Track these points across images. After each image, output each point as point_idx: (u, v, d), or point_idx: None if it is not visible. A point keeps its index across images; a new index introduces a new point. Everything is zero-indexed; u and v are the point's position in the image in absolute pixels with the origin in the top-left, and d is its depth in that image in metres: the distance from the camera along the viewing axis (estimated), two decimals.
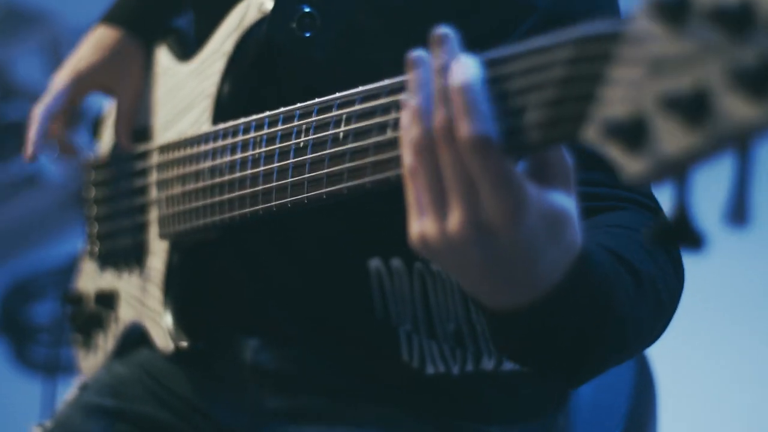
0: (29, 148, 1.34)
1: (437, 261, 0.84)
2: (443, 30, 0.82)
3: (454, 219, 0.79)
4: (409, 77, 0.83)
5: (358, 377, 1.25)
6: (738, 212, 0.63)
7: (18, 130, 2.78)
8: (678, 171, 0.65)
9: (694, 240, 0.67)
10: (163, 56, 1.38)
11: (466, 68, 0.79)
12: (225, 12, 1.23)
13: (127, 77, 1.38)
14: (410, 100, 0.82)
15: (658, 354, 1.33)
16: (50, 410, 1.42)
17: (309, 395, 1.27)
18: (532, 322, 0.85)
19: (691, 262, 0.98)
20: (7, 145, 2.79)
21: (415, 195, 0.82)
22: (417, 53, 0.83)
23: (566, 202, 0.80)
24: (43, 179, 2.79)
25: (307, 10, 1.12)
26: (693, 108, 0.62)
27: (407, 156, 0.82)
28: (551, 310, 0.84)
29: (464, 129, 0.77)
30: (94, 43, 1.39)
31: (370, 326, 1.20)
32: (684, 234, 0.67)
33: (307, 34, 1.12)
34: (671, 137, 0.63)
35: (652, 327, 0.98)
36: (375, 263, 1.17)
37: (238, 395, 1.30)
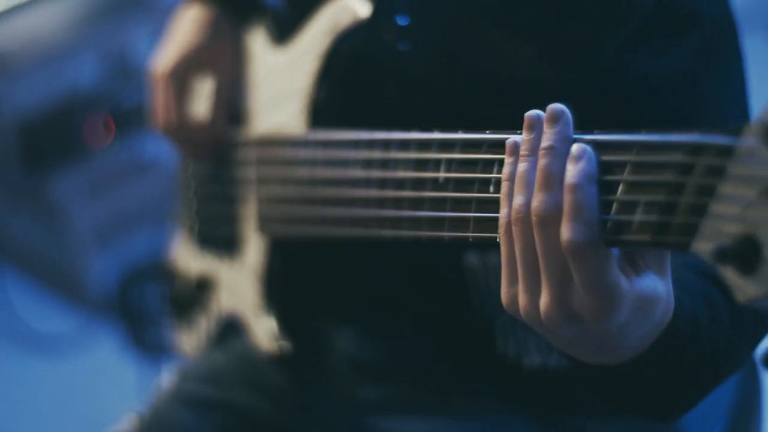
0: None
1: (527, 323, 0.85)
2: (558, 107, 0.81)
3: (546, 301, 0.80)
4: (523, 138, 0.82)
5: (453, 370, 1.25)
6: None
7: (135, 114, 2.84)
8: None
9: None
10: (259, 39, 1.35)
11: (584, 166, 0.78)
12: (315, 3, 1.21)
13: (225, 58, 1.36)
14: (514, 166, 0.82)
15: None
16: (149, 394, 1.43)
17: (404, 387, 1.27)
18: (619, 378, 0.87)
19: None
20: (126, 128, 2.85)
21: (507, 261, 0.83)
22: (534, 117, 0.82)
23: (659, 285, 0.81)
24: (158, 163, 2.84)
25: (402, 23, 1.10)
26: None
27: (502, 224, 0.82)
28: (638, 368, 0.86)
29: (570, 232, 0.77)
30: (190, 24, 1.37)
31: (466, 319, 1.20)
32: None
33: (403, 48, 1.10)
34: None
35: (732, 348, 0.98)
36: (471, 258, 1.17)
37: (333, 385, 1.31)
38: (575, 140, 0.80)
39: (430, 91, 1.14)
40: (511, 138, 0.84)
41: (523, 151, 0.83)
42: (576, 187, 0.77)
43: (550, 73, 1.06)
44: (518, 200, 0.82)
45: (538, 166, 0.80)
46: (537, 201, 0.80)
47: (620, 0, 1.04)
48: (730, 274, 0.67)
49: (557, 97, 1.04)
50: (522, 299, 0.82)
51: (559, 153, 0.80)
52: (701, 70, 1.05)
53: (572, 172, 0.78)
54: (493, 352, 1.20)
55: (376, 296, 1.28)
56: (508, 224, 0.82)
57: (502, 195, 0.83)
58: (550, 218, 0.79)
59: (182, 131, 1.38)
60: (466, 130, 0.93)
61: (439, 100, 1.14)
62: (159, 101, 1.37)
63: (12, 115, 2.75)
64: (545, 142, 0.81)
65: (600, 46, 1.05)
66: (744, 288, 0.66)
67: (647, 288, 0.80)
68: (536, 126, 0.83)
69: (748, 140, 0.67)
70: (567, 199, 0.78)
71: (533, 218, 0.80)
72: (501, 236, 0.83)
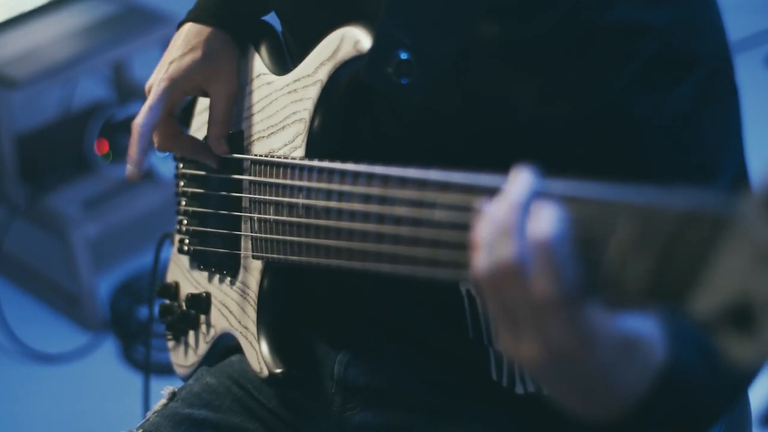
0: (131, 166, 1.30)
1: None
2: (525, 168, 0.83)
3: (526, 347, 0.82)
4: (487, 204, 0.84)
5: (446, 395, 1.26)
6: None
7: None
8: None
9: None
10: (257, 62, 1.35)
11: (549, 221, 0.79)
12: (314, 29, 1.21)
13: (222, 77, 1.34)
14: (482, 226, 0.83)
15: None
16: (142, 412, 1.43)
17: (396, 411, 1.28)
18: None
19: None
20: (124, 143, 2.85)
21: (489, 311, 0.84)
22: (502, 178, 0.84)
23: (643, 326, 0.83)
24: (156, 176, 2.84)
25: (404, 57, 1.10)
26: None
27: (474, 279, 0.84)
28: (637, 421, 0.87)
29: (542, 287, 0.78)
30: (185, 42, 1.36)
31: (460, 345, 1.20)
32: None
33: (404, 81, 1.10)
34: None
35: (725, 398, 1.01)
36: (468, 284, 1.16)
37: (325, 409, 1.31)
38: (548, 195, 0.81)
39: (429, 125, 1.15)
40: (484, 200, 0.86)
41: (488, 209, 0.84)
42: (548, 244, 0.78)
43: (552, 112, 1.07)
44: (482, 257, 0.83)
45: (511, 221, 0.81)
46: (510, 254, 0.80)
47: (624, 41, 1.05)
48: (720, 337, 0.68)
49: (558, 136, 1.05)
50: (506, 345, 0.84)
51: (526, 210, 0.81)
52: (701, 110, 1.07)
53: (541, 228, 0.79)
54: (486, 379, 1.20)
55: (369, 320, 1.28)
56: (479, 279, 0.83)
57: (472, 250, 0.85)
58: (520, 272, 0.80)
59: (177, 149, 1.38)
60: (466, 166, 0.93)
61: (439, 135, 1.14)
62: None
63: (11, 128, 2.75)
64: (518, 198, 0.82)
65: (602, 86, 1.06)
66: (734, 350, 0.66)
67: (630, 329, 0.82)
68: (502, 186, 0.84)
69: (742, 209, 0.67)
70: (538, 256, 0.79)
71: (508, 272, 0.81)
72: (476, 290, 0.83)
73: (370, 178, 1.05)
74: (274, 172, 1.24)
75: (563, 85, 1.07)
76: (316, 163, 1.17)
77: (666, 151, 1.06)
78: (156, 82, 1.34)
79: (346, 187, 1.09)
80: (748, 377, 1.01)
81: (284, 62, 1.33)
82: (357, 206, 1.07)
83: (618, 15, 1.04)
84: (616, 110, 1.06)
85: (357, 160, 1.09)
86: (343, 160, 1.12)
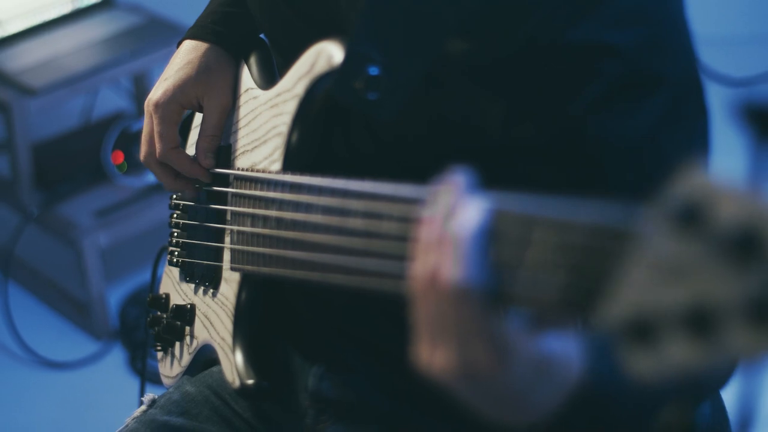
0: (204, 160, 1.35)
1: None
2: (455, 176, 0.83)
3: (441, 357, 0.82)
4: (424, 215, 0.85)
5: (418, 409, 1.26)
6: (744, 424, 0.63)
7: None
8: (686, 374, 0.65)
9: None
10: (246, 76, 1.37)
11: (465, 216, 0.80)
12: (301, 48, 1.22)
13: (216, 92, 1.36)
14: (421, 234, 0.84)
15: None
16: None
17: (368, 425, 1.28)
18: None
19: None
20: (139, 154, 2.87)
21: (416, 319, 0.85)
22: (433, 190, 0.85)
23: (557, 345, 0.82)
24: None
25: (373, 73, 1.10)
26: (696, 323, 0.62)
27: (411, 283, 0.85)
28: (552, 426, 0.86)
29: (445, 274, 0.79)
30: (182, 57, 1.38)
31: None
32: None
33: (371, 97, 1.10)
34: (677, 346, 0.64)
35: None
36: None
37: (298, 421, 1.32)
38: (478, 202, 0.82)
39: (400, 144, 1.16)
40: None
41: (425, 216, 0.86)
42: (460, 234, 0.80)
43: (518, 133, 1.08)
44: (418, 263, 0.84)
45: (436, 231, 0.82)
46: (433, 261, 0.82)
47: (589, 62, 1.05)
48: (621, 349, 0.68)
49: (524, 157, 1.05)
50: (422, 356, 0.85)
51: (452, 216, 0.82)
52: (664, 131, 1.07)
53: (457, 222, 0.81)
54: None
55: (341, 333, 1.29)
56: (414, 285, 0.85)
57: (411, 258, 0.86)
58: (435, 278, 0.81)
59: (164, 163, 1.39)
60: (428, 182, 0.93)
61: (410, 154, 1.15)
62: (144, 131, 1.39)
63: (27, 135, 2.78)
64: (445, 208, 0.83)
65: (566, 106, 1.06)
66: (634, 363, 0.67)
67: (547, 350, 0.82)
68: (434, 197, 0.85)
69: (644, 222, 0.68)
70: (448, 246, 0.80)
71: (430, 278, 0.82)
72: (409, 298, 0.86)
73: (331, 191, 1.06)
74: (252, 186, 1.26)
75: (529, 105, 1.07)
76: (285, 176, 1.19)
77: (627, 172, 1.07)
78: (150, 98, 1.37)
79: (313, 199, 1.10)
80: (665, 392, 1.00)
81: (271, 77, 1.34)
82: (319, 218, 1.08)
83: (583, 35, 1.04)
84: (580, 130, 1.06)
85: (332, 175, 1.10)
86: (319, 174, 1.13)
